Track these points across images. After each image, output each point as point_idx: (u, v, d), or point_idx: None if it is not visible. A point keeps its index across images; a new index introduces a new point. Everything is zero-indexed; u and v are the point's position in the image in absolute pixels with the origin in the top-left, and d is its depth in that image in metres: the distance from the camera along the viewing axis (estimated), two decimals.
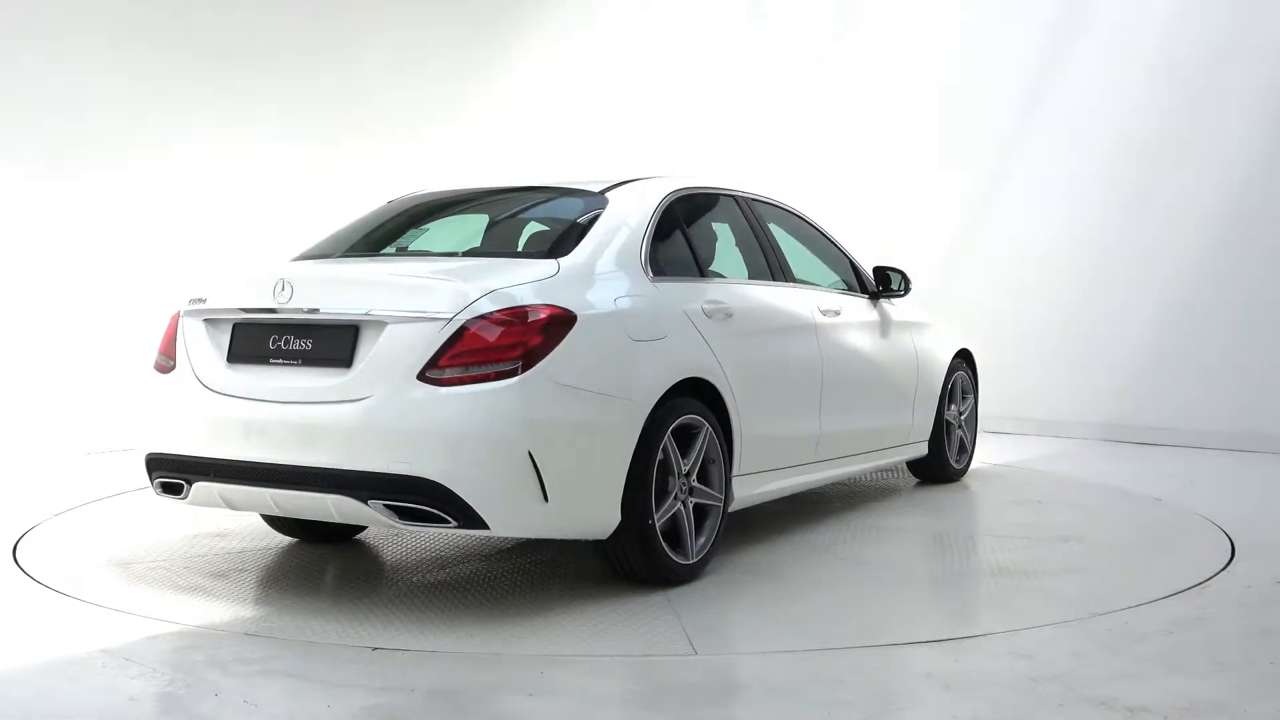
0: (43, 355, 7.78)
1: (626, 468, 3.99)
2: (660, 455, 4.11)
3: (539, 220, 4.90)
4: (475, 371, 3.73)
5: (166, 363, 4.36)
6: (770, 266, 5.21)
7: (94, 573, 4.52)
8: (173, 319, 4.42)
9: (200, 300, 4.30)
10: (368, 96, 9.43)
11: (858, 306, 5.76)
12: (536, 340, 3.79)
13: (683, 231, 4.79)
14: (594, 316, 4.00)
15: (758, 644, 3.77)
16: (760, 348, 4.80)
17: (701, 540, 4.36)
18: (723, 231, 5.28)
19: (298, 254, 4.87)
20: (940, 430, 6.44)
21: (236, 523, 5.32)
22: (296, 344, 4.01)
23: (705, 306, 4.51)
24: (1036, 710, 3.04)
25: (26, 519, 5.48)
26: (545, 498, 3.77)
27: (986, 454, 7.34)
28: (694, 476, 4.32)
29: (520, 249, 4.69)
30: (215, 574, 4.49)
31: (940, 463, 6.53)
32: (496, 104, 10.25)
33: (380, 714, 3.01)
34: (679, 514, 4.25)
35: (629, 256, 4.35)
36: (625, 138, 10.31)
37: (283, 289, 4.01)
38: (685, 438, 4.28)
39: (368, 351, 3.84)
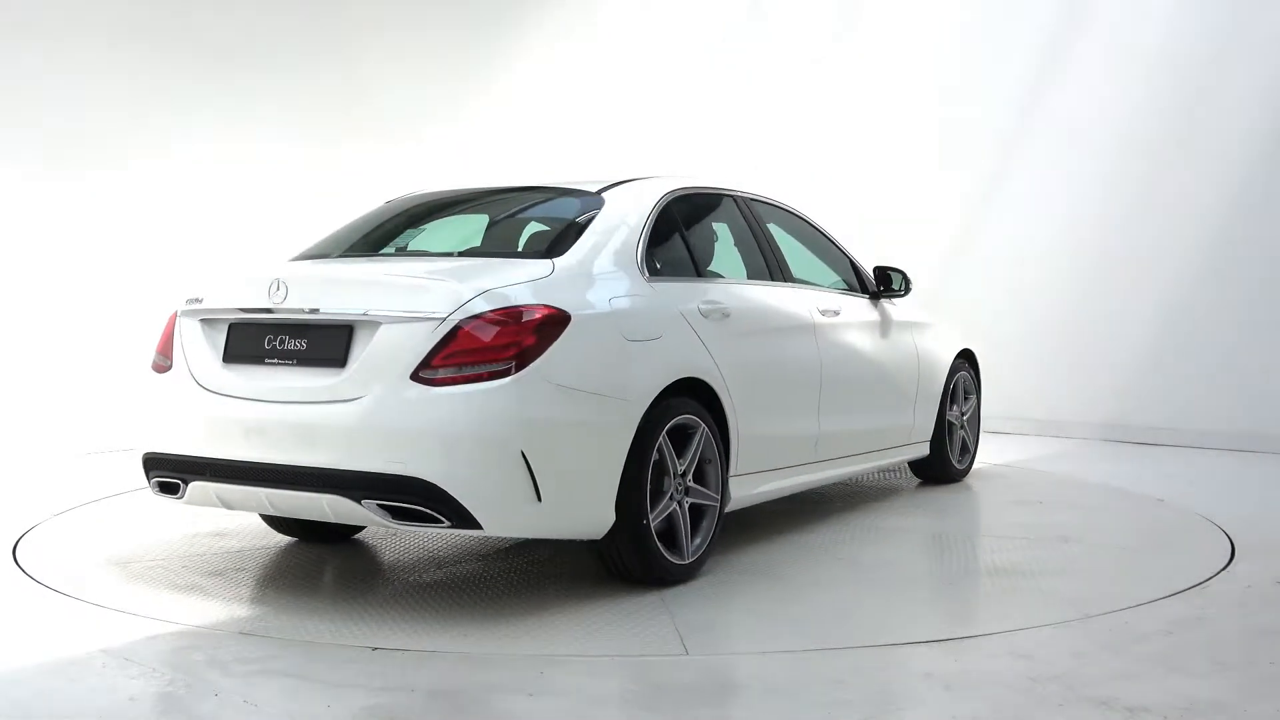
0: (43, 355, 7.78)
1: (621, 468, 3.99)
2: (655, 455, 4.11)
3: (535, 220, 4.90)
4: (469, 371, 3.73)
5: (163, 362, 4.37)
6: (769, 267, 5.20)
7: (94, 573, 4.52)
8: (170, 319, 4.43)
9: (197, 300, 4.31)
10: (368, 96, 9.43)
11: (858, 306, 5.75)
12: (530, 340, 3.79)
13: (680, 232, 4.79)
14: (588, 316, 4.00)
15: (754, 644, 3.76)
16: (758, 348, 4.79)
17: (697, 540, 4.36)
18: (721, 232, 5.28)
19: (295, 254, 4.88)
20: (942, 430, 6.44)
21: (236, 522, 5.32)
22: (291, 344, 4.01)
23: (702, 306, 4.51)
24: (1036, 710, 3.04)
25: (26, 519, 5.48)
26: (539, 498, 3.77)
27: (987, 454, 7.34)
28: (690, 477, 4.31)
29: (516, 249, 4.69)
30: (215, 574, 4.49)
31: (942, 463, 6.52)
32: (496, 104, 10.26)
33: (380, 714, 3.01)
34: (675, 514, 4.24)
35: (625, 256, 4.35)
36: (625, 138, 10.31)
37: (278, 289, 4.02)
38: (681, 438, 4.28)
39: (362, 351, 3.84)
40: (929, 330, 6.37)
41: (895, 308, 6.09)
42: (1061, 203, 8.97)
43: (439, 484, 3.68)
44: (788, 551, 4.92)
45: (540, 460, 3.75)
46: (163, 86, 8.39)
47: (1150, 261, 8.56)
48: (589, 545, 4.22)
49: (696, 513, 4.38)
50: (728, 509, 4.58)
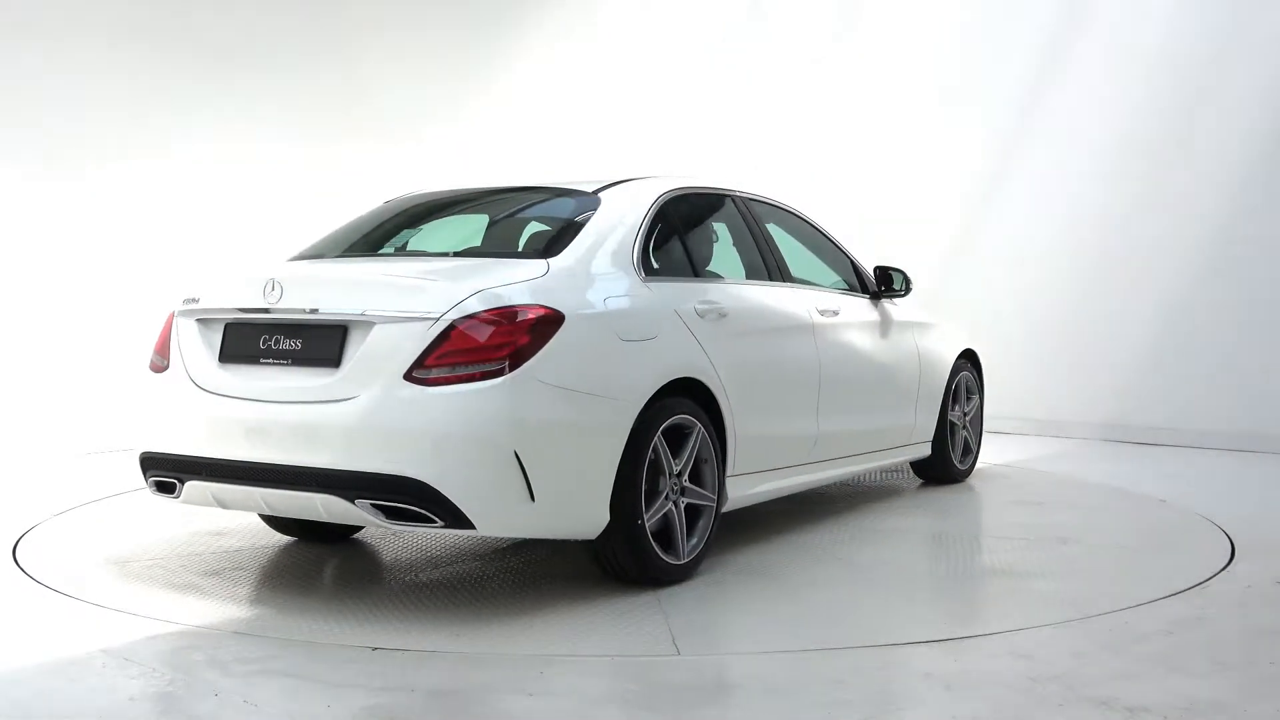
0: (43, 355, 7.78)
1: (615, 468, 3.99)
2: (650, 455, 4.10)
3: (531, 220, 4.90)
4: (462, 371, 3.73)
5: (161, 362, 4.38)
6: (767, 266, 5.20)
7: (94, 573, 4.52)
8: (168, 319, 4.44)
9: (193, 300, 4.32)
10: (368, 96, 9.43)
11: (858, 306, 5.75)
12: (524, 340, 3.79)
13: (677, 232, 4.79)
14: (582, 317, 4.00)
15: (752, 644, 3.76)
16: (755, 348, 4.79)
17: (693, 541, 4.36)
18: (719, 231, 5.27)
19: (293, 254, 4.88)
20: (944, 431, 6.43)
21: (235, 522, 5.32)
22: (286, 344, 4.02)
23: (698, 307, 4.50)
24: (1036, 710, 3.03)
25: (26, 519, 5.48)
26: (532, 498, 3.77)
27: (987, 454, 7.34)
28: (686, 477, 4.31)
29: (511, 249, 4.68)
30: (215, 574, 4.49)
31: (944, 463, 6.52)
32: (496, 104, 10.26)
33: (380, 714, 3.01)
34: (670, 514, 4.24)
35: (620, 257, 4.34)
36: (625, 138, 10.31)
37: (273, 289, 4.02)
38: (677, 438, 4.28)
39: (356, 351, 3.84)
40: (931, 330, 6.37)
41: (896, 308, 6.09)
42: (1061, 203, 8.97)
43: (432, 484, 3.68)
44: (786, 552, 4.91)
45: (533, 460, 3.75)
46: (163, 86, 8.40)
47: (1150, 261, 8.56)
48: (584, 545, 4.22)
49: (693, 513, 4.37)
50: (725, 509, 4.57)
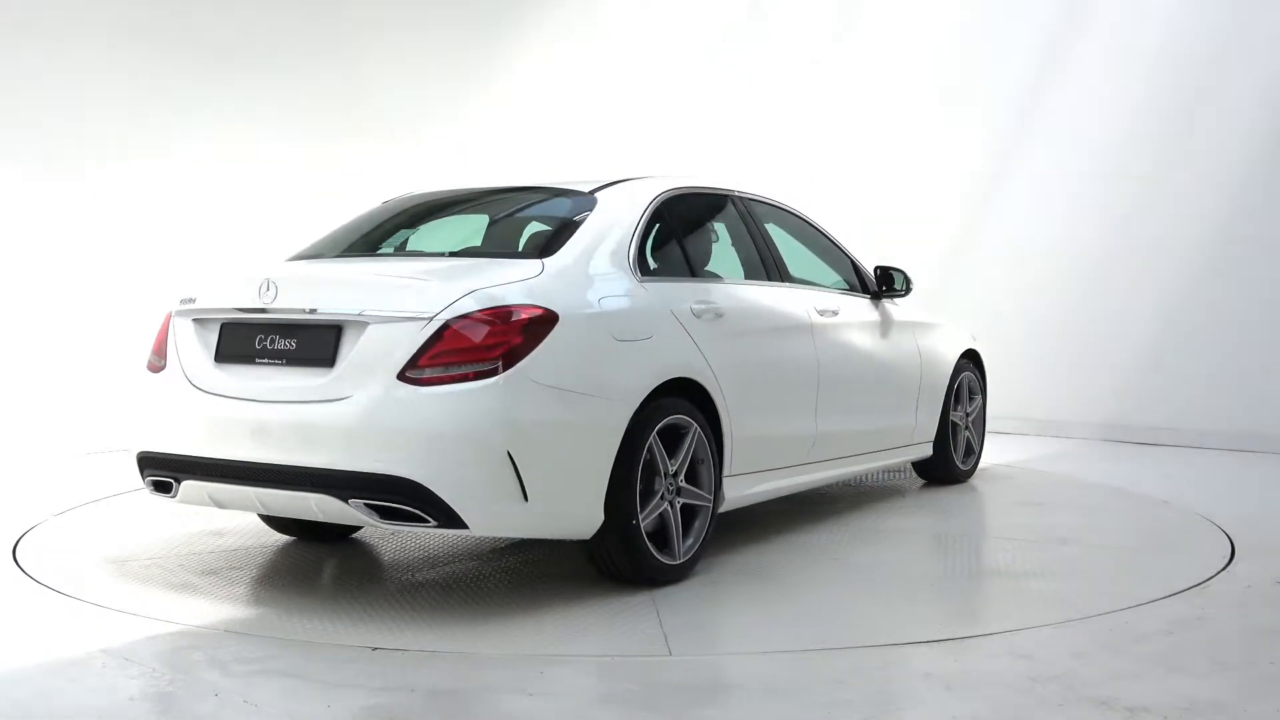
0: (42, 355, 7.78)
1: (609, 468, 3.99)
2: (646, 455, 4.10)
3: (528, 220, 4.90)
4: (455, 371, 3.73)
5: (158, 362, 4.38)
6: (766, 266, 5.19)
7: (94, 573, 4.52)
8: (165, 319, 4.44)
9: (190, 300, 4.33)
10: (368, 96, 9.43)
11: (857, 306, 5.74)
12: (518, 340, 3.78)
13: (674, 232, 4.78)
14: (577, 317, 3.99)
15: (749, 644, 3.75)
16: (752, 348, 4.78)
17: (689, 541, 4.35)
18: (719, 231, 5.27)
19: (291, 254, 4.88)
20: (946, 431, 6.43)
21: (235, 522, 5.32)
22: (281, 344, 4.02)
23: (694, 307, 4.50)
24: (1036, 710, 3.03)
25: (26, 519, 5.48)
26: (525, 498, 3.77)
27: (988, 454, 7.33)
28: (681, 477, 4.31)
29: (507, 249, 4.68)
30: (214, 573, 4.49)
31: (946, 464, 6.51)
32: (496, 104, 10.26)
33: (380, 714, 3.01)
34: (666, 514, 4.24)
35: (616, 257, 4.34)
36: (625, 138, 10.31)
37: (268, 289, 4.02)
38: (673, 438, 4.27)
39: (350, 351, 3.84)
40: (932, 330, 6.36)
41: (897, 308, 6.08)
42: (1061, 203, 8.97)
43: (425, 484, 3.68)
44: (784, 552, 4.91)
45: (526, 460, 3.75)
46: (163, 86, 8.40)
47: (1150, 261, 8.56)
48: (580, 545, 4.22)
49: (689, 513, 4.37)
50: (722, 509, 4.57)
